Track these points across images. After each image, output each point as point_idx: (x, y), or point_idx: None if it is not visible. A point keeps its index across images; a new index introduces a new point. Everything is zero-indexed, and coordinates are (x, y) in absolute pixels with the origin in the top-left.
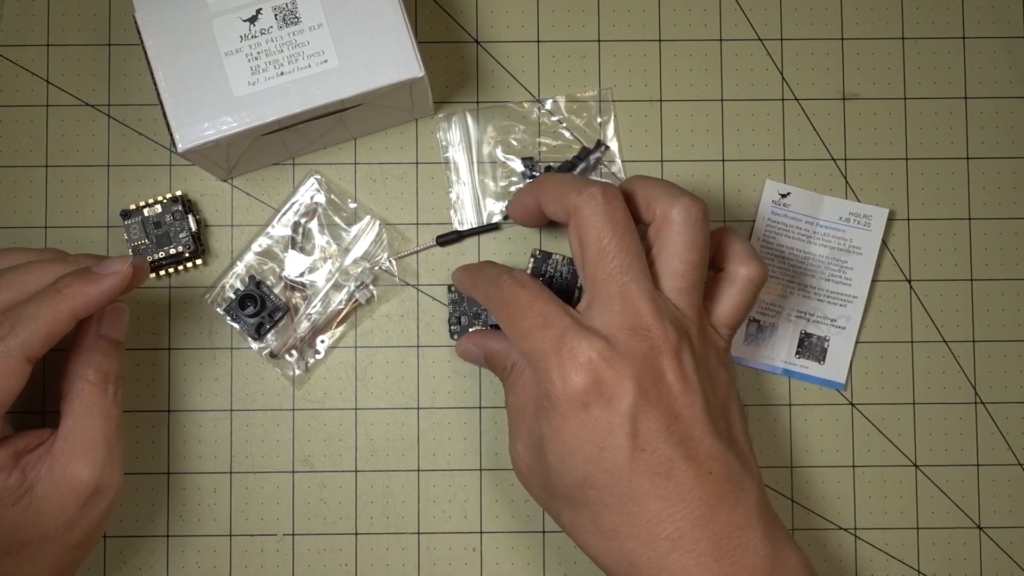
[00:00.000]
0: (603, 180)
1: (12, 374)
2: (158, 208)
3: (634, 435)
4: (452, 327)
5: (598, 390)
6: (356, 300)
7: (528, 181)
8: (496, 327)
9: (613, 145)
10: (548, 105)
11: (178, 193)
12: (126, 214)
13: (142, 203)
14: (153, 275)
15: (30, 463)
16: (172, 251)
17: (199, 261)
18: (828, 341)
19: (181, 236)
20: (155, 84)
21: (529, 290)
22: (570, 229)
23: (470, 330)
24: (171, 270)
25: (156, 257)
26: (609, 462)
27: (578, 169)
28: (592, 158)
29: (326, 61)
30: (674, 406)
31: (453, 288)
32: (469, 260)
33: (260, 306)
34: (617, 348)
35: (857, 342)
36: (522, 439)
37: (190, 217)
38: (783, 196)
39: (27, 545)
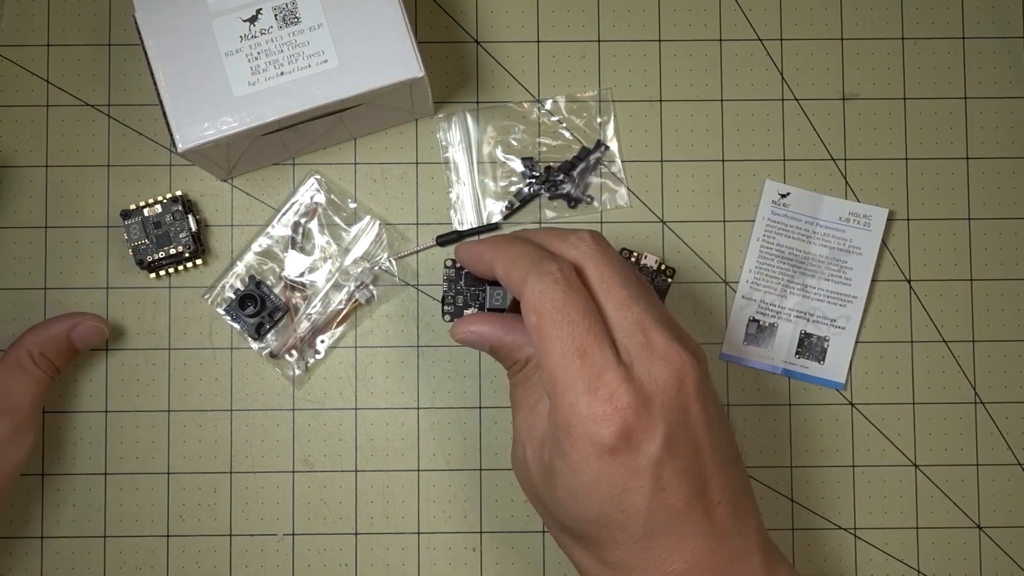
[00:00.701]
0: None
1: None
2: (158, 208)
3: (657, 477)
4: (446, 307)
5: (627, 436)
6: (356, 300)
7: (487, 237)
8: (496, 310)
9: (613, 145)
10: (548, 105)
11: (178, 193)
12: (126, 214)
13: (142, 203)
14: (153, 275)
15: None
16: (172, 251)
17: (199, 261)
18: (828, 341)
19: (181, 236)
20: (155, 84)
21: (576, 301)
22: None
23: (467, 312)
24: (171, 270)
25: (156, 257)
26: (628, 503)
27: (578, 169)
28: (592, 158)
29: (326, 61)
30: (697, 441)
31: (451, 264)
32: None
33: (260, 306)
34: (647, 388)
35: (857, 342)
36: (529, 452)
37: (190, 217)
38: (783, 196)
39: None
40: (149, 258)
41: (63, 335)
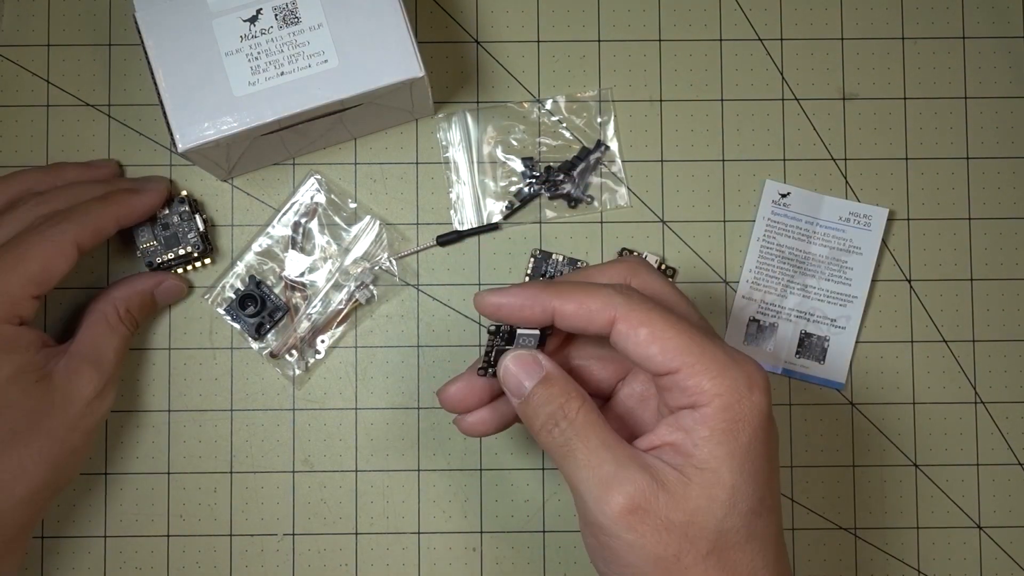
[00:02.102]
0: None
1: (62, 255)
2: (165, 210)
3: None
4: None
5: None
6: (356, 300)
7: (530, 282)
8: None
9: (613, 145)
10: (548, 105)
11: (184, 193)
12: None
13: None
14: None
15: (51, 354)
16: (181, 252)
17: (208, 260)
18: (828, 341)
19: (190, 236)
20: (155, 84)
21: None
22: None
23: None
24: (180, 270)
25: (166, 259)
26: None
27: (578, 169)
28: (592, 158)
29: (326, 61)
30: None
31: (493, 329)
32: (469, 260)
33: (260, 306)
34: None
35: (857, 342)
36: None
37: (197, 217)
38: (783, 196)
39: (36, 431)
40: (159, 260)
41: (148, 292)
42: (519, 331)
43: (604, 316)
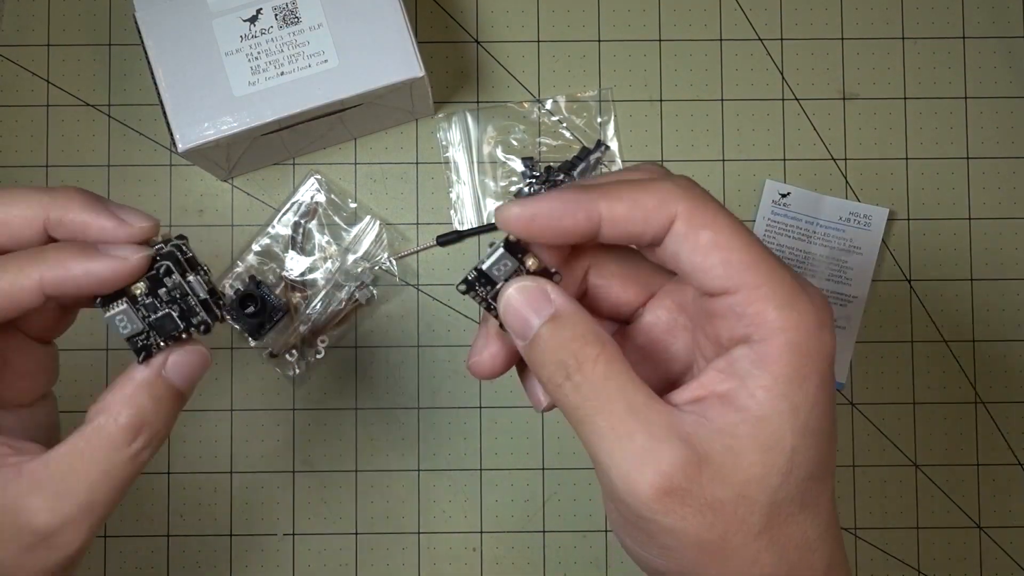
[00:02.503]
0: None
1: None
2: (140, 285)
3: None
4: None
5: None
6: (356, 300)
7: (551, 189)
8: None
9: (613, 145)
10: (548, 105)
11: (160, 242)
12: (105, 301)
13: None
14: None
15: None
16: (183, 336)
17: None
18: None
19: (192, 314)
20: (155, 84)
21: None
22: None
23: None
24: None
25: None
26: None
27: (578, 169)
28: (592, 158)
29: (326, 61)
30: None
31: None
32: (469, 260)
33: (260, 306)
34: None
35: (857, 342)
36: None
37: (195, 281)
38: (783, 196)
39: None
40: (155, 348)
41: (154, 381)
42: (488, 262)
43: (662, 215)
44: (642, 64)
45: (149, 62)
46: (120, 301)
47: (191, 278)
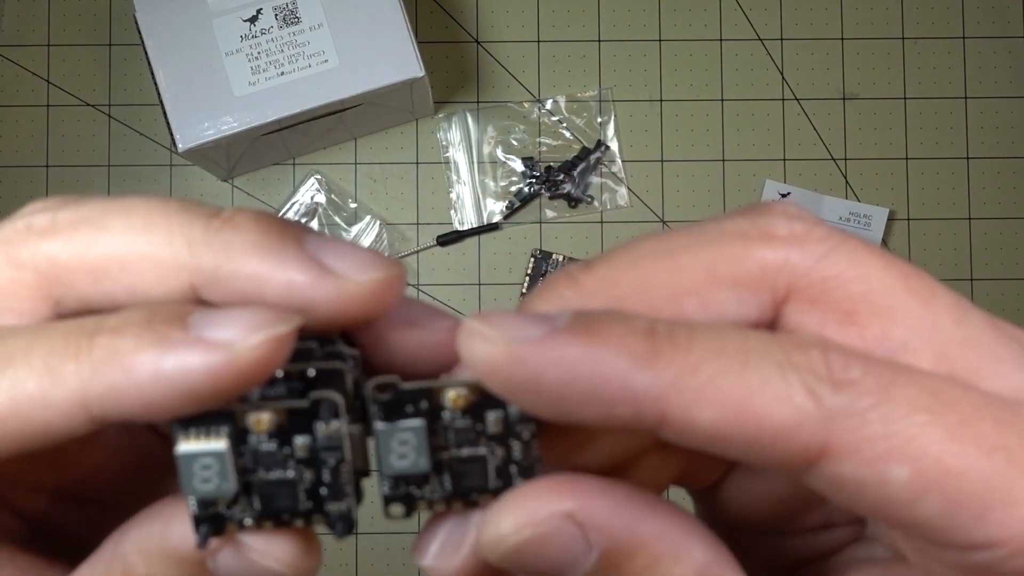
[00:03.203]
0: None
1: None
2: (266, 418)
3: None
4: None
5: None
6: None
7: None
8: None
9: (613, 145)
10: (548, 105)
11: (309, 346)
12: (185, 424)
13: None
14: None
15: None
16: (301, 507)
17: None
18: None
19: (340, 473)
20: (155, 84)
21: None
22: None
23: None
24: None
25: (246, 522)
26: None
27: (578, 169)
28: (592, 158)
29: (326, 61)
30: None
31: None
32: (469, 260)
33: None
34: None
35: None
36: None
37: (357, 431)
38: (783, 196)
39: None
40: (230, 517)
41: (189, 558)
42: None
43: (799, 442)
44: (642, 64)
45: (149, 62)
46: (217, 431)
47: (356, 429)
